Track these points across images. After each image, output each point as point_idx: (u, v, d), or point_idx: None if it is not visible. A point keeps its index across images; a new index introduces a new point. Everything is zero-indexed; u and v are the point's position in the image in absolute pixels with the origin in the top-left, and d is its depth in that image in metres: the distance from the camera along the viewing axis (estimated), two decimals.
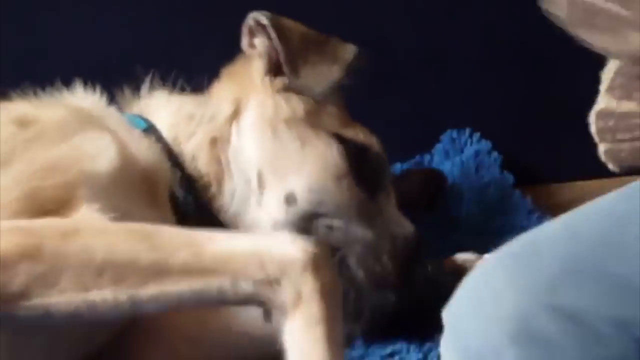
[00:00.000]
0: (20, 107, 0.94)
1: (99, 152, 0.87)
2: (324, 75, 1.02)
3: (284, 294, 0.70)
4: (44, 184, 0.80)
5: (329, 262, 0.75)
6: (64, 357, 0.85)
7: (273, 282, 0.70)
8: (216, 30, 1.32)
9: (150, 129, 1.00)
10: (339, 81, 1.04)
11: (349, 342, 0.91)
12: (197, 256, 0.71)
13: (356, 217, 0.97)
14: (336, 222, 0.97)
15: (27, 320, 0.72)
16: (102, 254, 0.70)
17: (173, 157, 0.98)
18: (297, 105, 1.03)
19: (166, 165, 0.97)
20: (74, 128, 0.89)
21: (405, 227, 1.00)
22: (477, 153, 1.43)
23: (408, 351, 0.96)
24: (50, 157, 0.83)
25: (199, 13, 1.38)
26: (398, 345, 0.96)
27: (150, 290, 0.70)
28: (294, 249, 0.72)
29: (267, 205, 0.99)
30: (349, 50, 1.04)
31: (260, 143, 1.02)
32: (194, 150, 1.01)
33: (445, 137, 1.46)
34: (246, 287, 0.70)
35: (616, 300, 0.69)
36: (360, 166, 1.00)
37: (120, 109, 1.03)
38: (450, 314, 0.72)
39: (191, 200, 0.98)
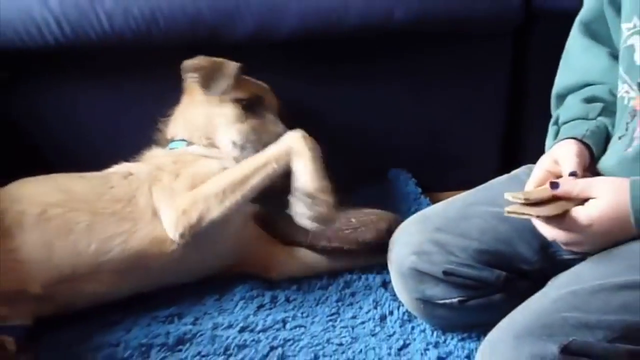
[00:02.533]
0: (170, 152, 1.77)
1: (210, 167, 1.66)
2: (221, 85, 1.72)
3: (295, 153, 1.53)
4: (193, 182, 1.58)
5: (311, 138, 1.56)
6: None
7: (289, 151, 1.53)
8: None
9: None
10: (230, 82, 1.72)
11: None
12: (261, 158, 1.55)
13: (258, 134, 1.72)
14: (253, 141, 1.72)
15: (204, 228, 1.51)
16: (224, 184, 1.53)
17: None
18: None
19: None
20: (195, 157, 1.71)
21: (280, 127, 1.74)
22: None
23: None
24: (191, 173, 1.62)
25: None
26: None
27: (247, 186, 1.53)
28: (297, 134, 1.56)
29: (226, 147, 1.74)
30: (233, 67, 1.73)
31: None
32: None
33: None
34: (284, 161, 1.53)
35: (463, 239, 1.33)
36: (252, 107, 1.76)
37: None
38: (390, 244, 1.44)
39: None
